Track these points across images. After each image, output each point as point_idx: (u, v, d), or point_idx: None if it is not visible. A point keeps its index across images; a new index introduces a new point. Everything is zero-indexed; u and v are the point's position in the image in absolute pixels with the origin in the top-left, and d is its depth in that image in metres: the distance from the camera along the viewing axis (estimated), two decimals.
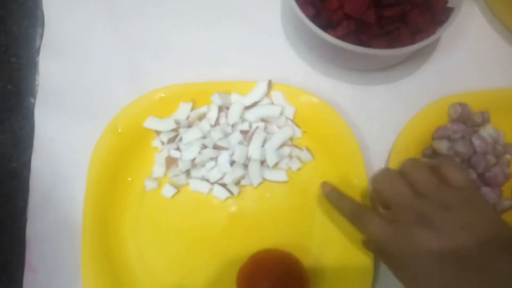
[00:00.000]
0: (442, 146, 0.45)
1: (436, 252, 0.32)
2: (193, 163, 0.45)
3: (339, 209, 0.42)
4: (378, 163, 0.47)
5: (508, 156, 0.46)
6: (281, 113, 0.47)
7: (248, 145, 0.46)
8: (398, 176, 0.37)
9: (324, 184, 0.44)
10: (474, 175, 0.44)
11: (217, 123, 0.46)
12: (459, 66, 0.51)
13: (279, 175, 0.46)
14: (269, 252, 0.41)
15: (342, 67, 0.51)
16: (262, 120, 0.47)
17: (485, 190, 0.44)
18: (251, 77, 0.49)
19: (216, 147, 0.45)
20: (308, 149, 0.47)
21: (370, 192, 0.44)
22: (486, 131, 0.45)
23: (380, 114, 0.50)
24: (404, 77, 0.51)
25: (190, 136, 0.45)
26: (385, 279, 0.44)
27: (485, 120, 0.46)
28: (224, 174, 0.45)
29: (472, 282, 0.31)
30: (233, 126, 0.46)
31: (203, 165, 0.46)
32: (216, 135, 0.45)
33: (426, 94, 0.49)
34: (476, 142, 0.44)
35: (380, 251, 0.37)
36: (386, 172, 0.39)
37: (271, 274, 0.39)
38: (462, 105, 0.46)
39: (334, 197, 0.42)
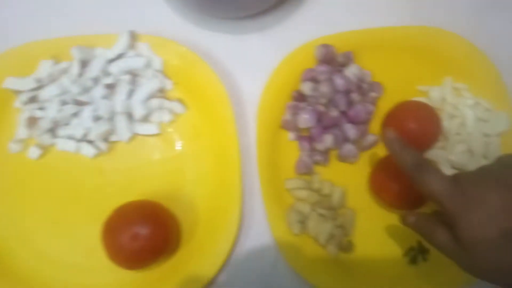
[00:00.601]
0: (306, 87, 0.45)
1: (500, 212, 0.31)
2: (57, 121, 0.44)
3: (400, 159, 0.38)
4: (251, 108, 0.47)
5: (373, 94, 0.47)
6: (148, 65, 0.46)
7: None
8: None
9: (388, 131, 0.39)
10: (336, 113, 0.45)
11: (80, 78, 0.45)
12: (331, 9, 0.52)
13: (150, 129, 0.46)
14: (132, 203, 0.41)
15: (213, 16, 0.50)
16: (129, 72, 0.46)
17: (347, 126, 0.45)
18: (119, 30, 0.47)
19: (77, 103, 0.44)
20: (180, 101, 0.47)
21: None
22: (350, 71, 0.46)
23: (255, 61, 0.49)
24: (277, 23, 0.51)
25: (47, 93, 0.43)
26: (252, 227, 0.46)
27: (349, 60, 0.47)
28: (89, 130, 0.44)
29: None
30: (96, 80, 0.45)
31: (68, 123, 0.44)
32: (75, 89, 0.43)
33: (299, 38, 0.49)
34: (338, 81, 0.45)
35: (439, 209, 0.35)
36: None
37: (130, 221, 0.39)
38: (326, 46, 0.46)
39: (396, 146, 0.38)
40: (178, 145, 0.46)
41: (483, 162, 0.47)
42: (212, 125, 0.46)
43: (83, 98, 0.43)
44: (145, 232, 0.39)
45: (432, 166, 0.36)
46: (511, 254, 0.31)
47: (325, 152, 0.46)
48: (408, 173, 0.37)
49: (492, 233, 0.31)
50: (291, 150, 0.47)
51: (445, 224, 0.35)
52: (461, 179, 0.34)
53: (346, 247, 0.45)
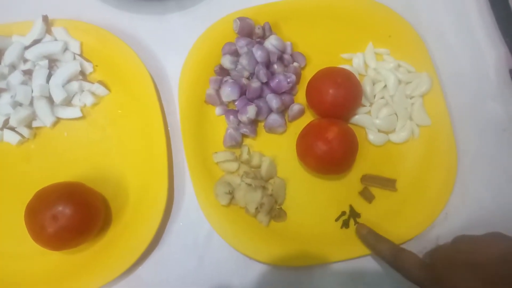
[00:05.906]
0: (226, 61, 0.46)
1: None
2: None
3: (377, 251, 0.42)
4: (176, 86, 0.47)
5: (296, 64, 0.48)
6: (65, 49, 0.45)
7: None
8: None
9: (360, 227, 0.44)
10: (257, 85, 0.45)
11: None
12: None
13: (73, 112, 0.46)
14: (53, 185, 0.41)
15: None
16: (46, 57, 0.45)
17: (270, 97, 0.45)
18: (38, 17, 0.47)
19: None
20: (102, 83, 0.47)
21: None
22: (270, 42, 0.47)
23: (177, 39, 0.50)
24: (198, 1, 0.51)
25: None
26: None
27: (266, 31, 0.47)
28: (9, 116, 0.44)
29: None
30: (13, 67, 0.45)
31: None
32: None
33: (221, 14, 0.49)
34: (257, 53, 0.45)
35: None
36: None
37: (50, 201, 0.39)
38: (241, 18, 0.46)
39: (371, 240, 0.42)
40: (103, 127, 0.46)
41: (409, 123, 0.48)
42: (136, 105, 0.46)
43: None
44: (66, 211, 0.39)
45: (409, 254, 0.39)
46: None
47: (251, 124, 0.46)
48: (387, 262, 0.40)
49: None
50: (219, 125, 0.47)
51: None
52: (437, 264, 0.37)
53: (279, 215, 0.46)
